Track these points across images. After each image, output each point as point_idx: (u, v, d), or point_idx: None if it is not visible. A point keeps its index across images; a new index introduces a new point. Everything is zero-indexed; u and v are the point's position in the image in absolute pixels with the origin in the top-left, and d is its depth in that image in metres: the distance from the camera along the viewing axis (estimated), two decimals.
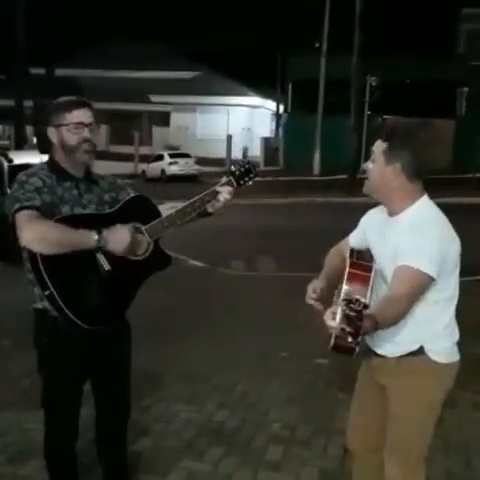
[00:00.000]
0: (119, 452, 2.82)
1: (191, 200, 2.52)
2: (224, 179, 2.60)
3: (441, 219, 2.24)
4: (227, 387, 4.28)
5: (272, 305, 6.38)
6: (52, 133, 2.49)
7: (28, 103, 25.10)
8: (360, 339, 1.86)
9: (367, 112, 27.29)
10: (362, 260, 2.25)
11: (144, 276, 2.51)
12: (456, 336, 2.33)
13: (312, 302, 2.32)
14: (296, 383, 4.35)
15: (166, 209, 2.57)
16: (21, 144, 22.86)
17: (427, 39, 31.99)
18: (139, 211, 2.51)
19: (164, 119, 37.06)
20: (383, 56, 25.94)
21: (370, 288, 2.12)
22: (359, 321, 1.76)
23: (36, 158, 8.54)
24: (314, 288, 2.35)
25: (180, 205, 2.52)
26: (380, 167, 2.25)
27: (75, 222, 2.33)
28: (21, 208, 2.33)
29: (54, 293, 2.29)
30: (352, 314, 1.75)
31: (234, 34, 37.99)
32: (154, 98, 35.95)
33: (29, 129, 26.04)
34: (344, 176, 21.29)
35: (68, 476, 2.67)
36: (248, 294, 6.94)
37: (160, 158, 26.65)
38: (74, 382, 2.53)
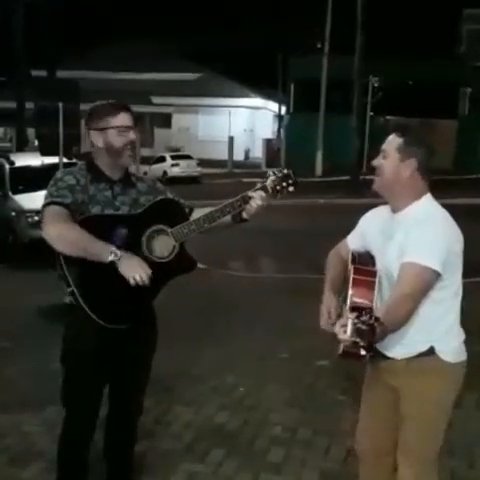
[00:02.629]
0: (125, 452, 2.83)
1: (221, 205, 2.49)
2: (259, 184, 2.53)
3: (445, 215, 2.23)
4: (227, 389, 4.26)
5: (273, 306, 6.36)
6: (96, 136, 2.51)
7: (29, 105, 25.12)
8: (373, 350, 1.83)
9: (369, 113, 27.30)
10: (365, 265, 2.24)
11: (167, 278, 2.51)
12: (463, 335, 2.31)
13: (328, 328, 2.22)
14: (297, 385, 4.32)
15: (199, 212, 2.54)
16: (22, 146, 22.87)
17: (429, 40, 32.01)
18: (167, 214, 2.51)
19: (166, 121, 37.11)
20: (385, 57, 25.99)
21: (376, 293, 2.11)
22: (372, 335, 1.74)
23: (37, 160, 8.52)
24: (329, 310, 2.29)
25: (210, 210, 2.49)
26: (394, 163, 2.22)
27: (100, 222, 2.40)
28: (51, 203, 2.39)
29: (75, 291, 2.37)
30: (364, 328, 1.72)
31: (236, 35, 38.03)
32: (156, 100, 35.99)
33: (30, 131, 26.04)
34: (346, 177, 21.29)
35: (78, 474, 2.68)
36: (249, 295, 6.92)
37: (162, 160, 26.67)
38: (93, 378, 2.55)
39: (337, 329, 1.85)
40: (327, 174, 25.10)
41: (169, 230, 2.46)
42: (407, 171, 2.20)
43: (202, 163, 26.90)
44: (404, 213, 2.23)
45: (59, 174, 2.50)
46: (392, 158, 2.22)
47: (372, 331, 1.74)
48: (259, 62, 36.87)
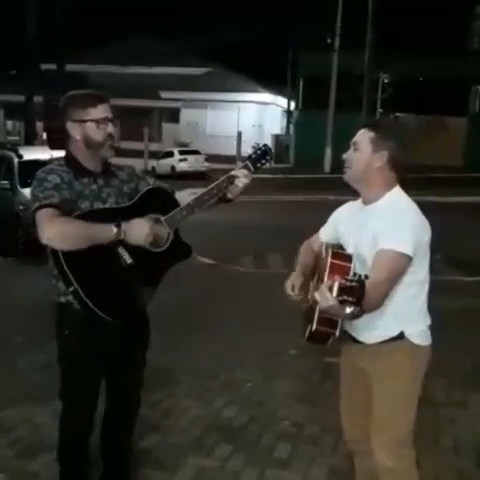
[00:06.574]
0: (122, 448, 2.82)
1: (208, 187, 2.52)
2: (240, 163, 2.61)
3: (414, 207, 2.33)
4: (236, 384, 4.27)
5: (281, 302, 6.33)
6: (74, 128, 2.43)
7: (38, 99, 25.18)
8: (357, 313, 1.88)
9: (379, 109, 27.20)
10: (341, 251, 2.33)
11: (166, 267, 2.52)
12: (429, 320, 2.39)
13: (291, 298, 2.42)
14: (305, 381, 4.33)
15: (186, 195, 2.56)
16: (31, 140, 22.95)
17: (440, 36, 31.74)
18: (157, 202, 2.51)
19: (174, 115, 37.09)
20: (396, 53, 25.82)
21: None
22: (361, 289, 1.78)
23: (46, 154, 8.53)
24: (293, 285, 2.46)
25: (198, 193, 2.51)
26: (366, 155, 2.32)
27: (94, 217, 2.34)
28: (40, 207, 2.30)
29: (78, 289, 2.30)
30: (354, 284, 1.77)
31: (245, 30, 37.93)
32: (164, 94, 35.96)
33: (39, 125, 26.12)
34: None
35: (79, 469, 2.69)
36: (258, 291, 6.91)
37: (170, 155, 26.66)
38: (92, 375, 2.55)
39: (322, 290, 1.89)
40: (336, 171, 24.95)
41: (162, 218, 2.46)
42: (378, 162, 2.30)
43: (210, 158, 26.86)
44: (376, 205, 2.33)
45: (42, 174, 2.39)
46: (364, 150, 2.33)
47: (361, 286, 1.78)
48: (268, 57, 36.76)
